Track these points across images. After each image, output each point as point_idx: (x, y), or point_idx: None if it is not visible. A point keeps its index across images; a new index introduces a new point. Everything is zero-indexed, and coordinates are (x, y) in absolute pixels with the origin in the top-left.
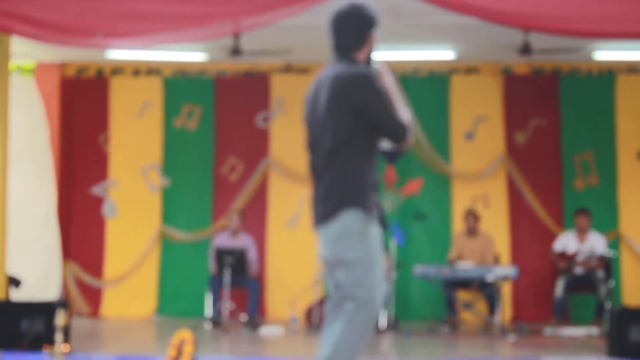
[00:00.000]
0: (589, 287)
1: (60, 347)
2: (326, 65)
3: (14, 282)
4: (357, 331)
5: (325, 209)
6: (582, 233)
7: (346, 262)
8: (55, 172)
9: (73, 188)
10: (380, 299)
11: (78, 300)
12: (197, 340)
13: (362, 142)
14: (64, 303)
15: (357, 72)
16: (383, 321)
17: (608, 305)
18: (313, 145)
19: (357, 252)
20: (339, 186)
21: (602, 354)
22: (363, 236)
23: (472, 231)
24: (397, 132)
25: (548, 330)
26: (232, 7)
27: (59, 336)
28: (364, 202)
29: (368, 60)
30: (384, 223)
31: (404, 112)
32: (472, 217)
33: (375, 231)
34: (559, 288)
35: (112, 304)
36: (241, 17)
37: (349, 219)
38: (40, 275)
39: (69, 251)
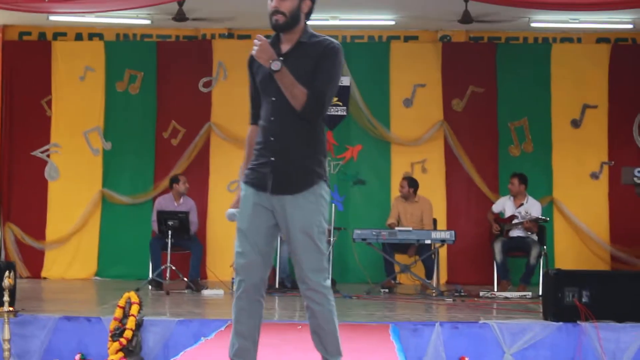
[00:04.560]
0: (521, 250)
1: (8, 308)
2: None
3: None
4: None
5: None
6: (518, 197)
7: None
8: None
9: (15, 151)
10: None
11: (17, 262)
12: (142, 302)
13: None
14: (11, 264)
15: None
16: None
17: (540, 269)
18: None
19: None
20: None
21: (538, 316)
22: None
23: (406, 197)
24: None
25: (483, 293)
26: None
27: (6, 297)
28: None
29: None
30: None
31: None
32: (405, 182)
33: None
34: (497, 252)
35: (53, 266)
36: None
37: None
38: None
39: (10, 214)
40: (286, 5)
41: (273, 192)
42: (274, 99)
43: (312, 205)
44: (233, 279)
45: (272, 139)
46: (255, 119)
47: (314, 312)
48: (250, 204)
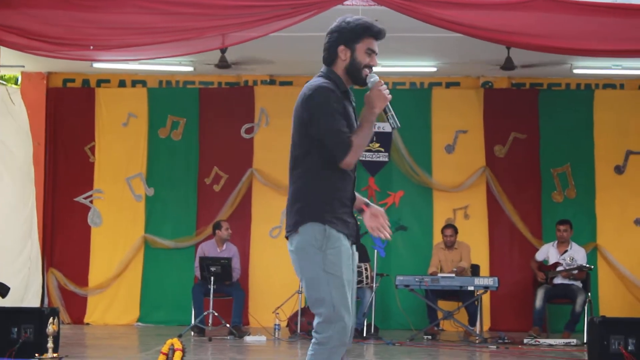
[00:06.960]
0: (566, 298)
1: (52, 354)
2: None
3: (1, 290)
4: (324, 349)
5: (289, 222)
6: (562, 244)
7: (306, 279)
8: (41, 181)
9: (58, 197)
10: (347, 315)
11: (60, 308)
12: (185, 349)
13: (324, 154)
14: (55, 310)
15: (311, 84)
16: (364, 330)
17: (584, 316)
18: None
19: (315, 268)
20: (300, 200)
21: None
22: (322, 251)
23: (449, 245)
24: (335, 149)
25: (527, 340)
26: (220, 21)
27: (50, 344)
28: (325, 216)
29: (355, 74)
30: (357, 236)
31: (363, 134)
32: (449, 231)
33: (339, 246)
34: (539, 299)
35: (96, 311)
36: (229, 32)
37: (308, 234)
38: (21, 285)
39: (53, 260)
40: None
41: (356, 243)
42: None
43: None
44: (276, 325)
45: (351, 189)
46: None
47: None
48: (349, 255)
